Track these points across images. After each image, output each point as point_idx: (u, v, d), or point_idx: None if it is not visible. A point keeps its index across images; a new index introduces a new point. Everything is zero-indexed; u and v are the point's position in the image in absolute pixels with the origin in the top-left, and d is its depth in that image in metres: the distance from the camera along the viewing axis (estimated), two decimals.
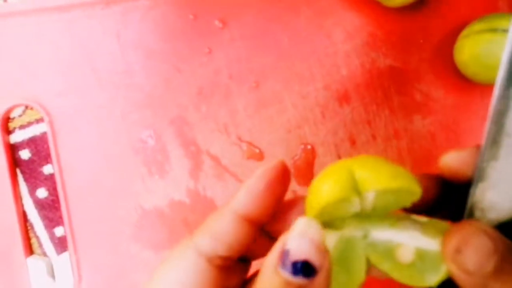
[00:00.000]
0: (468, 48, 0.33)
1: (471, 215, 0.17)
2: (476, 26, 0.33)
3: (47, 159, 0.37)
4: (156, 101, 0.36)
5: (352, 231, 0.17)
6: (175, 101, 0.36)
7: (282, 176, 0.18)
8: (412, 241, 0.16)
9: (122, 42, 0.36)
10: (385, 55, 0.36)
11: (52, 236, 0.37)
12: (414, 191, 0.16)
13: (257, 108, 0.37)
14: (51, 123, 0.36)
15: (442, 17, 0.37)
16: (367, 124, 0.37)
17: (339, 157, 0.37)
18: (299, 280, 0.14)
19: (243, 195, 0.18)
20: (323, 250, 0.14)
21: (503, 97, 0.15)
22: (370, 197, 0.16)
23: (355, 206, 0.16)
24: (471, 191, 0.17)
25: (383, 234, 0.17)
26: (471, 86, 0.36)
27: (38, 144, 0.37)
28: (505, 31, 0.32)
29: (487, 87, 0.36)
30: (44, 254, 0.38)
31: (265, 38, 0.37)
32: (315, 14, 0.36)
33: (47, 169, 0.37)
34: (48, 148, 0.37)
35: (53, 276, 0.37)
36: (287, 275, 0.14)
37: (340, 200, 0.16)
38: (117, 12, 0.36)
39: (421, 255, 0.16)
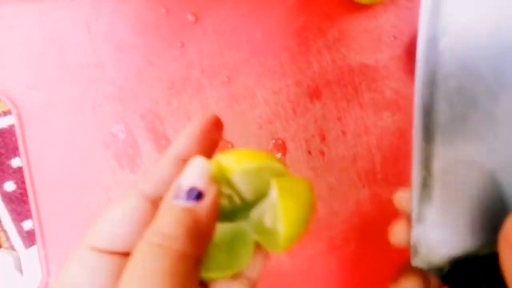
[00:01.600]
0: None
1: (416, 253, 0.17)
2: None
3: (15, 152, 0.37)
4: (127, 95, 0.36)
5: (240, 221, 0.19)
6: (146, 95, 0.36)
7: (215, 124, 0.21)
8: (271, 207, 0.17)
9: (93, 34, 0.36)
10: (356, 52, 0.37)
11: (20, 230, 0.37)
12: (274, 166, 0.18)
13: (229, 103, 0.37)
14: (19, 116, 0.36)
15: (412, 15, 0.37)
16: (337, 120, 0.37)
17: (310, 153, 0.37)
18: (189, 204, 0.16)
19: (181, 140, 0.20)
20: (207, 178, 0.17)
21: (428, 143, 0.16)
22: (237, 179, 0.17)
23: (233, 196, 0.18)
24: (412, 231, 0.17)
25: (257, 211, 0.18)
26: None
27: (6, 137, 0.37)
28: None
29: None
30: (12, 248, 0.37)
31: (238, 33, 0.37)
32: (287, 10, 0.37)
33: (15, 162, 0.37)
34: (16, 141, 0.36)
35: (20, 270, 0.37)
36: (180, 202, 0.16)
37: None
38: (87, 4, 0.36)
39: (274, 228, 0.17)
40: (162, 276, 0.15)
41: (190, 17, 0.36)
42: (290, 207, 0.17)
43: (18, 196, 0.37)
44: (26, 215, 0.37)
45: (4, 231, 0.37)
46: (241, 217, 0.19)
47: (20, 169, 0.37)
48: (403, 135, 0.37)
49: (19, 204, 0.37)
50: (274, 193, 0.17)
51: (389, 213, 0.37)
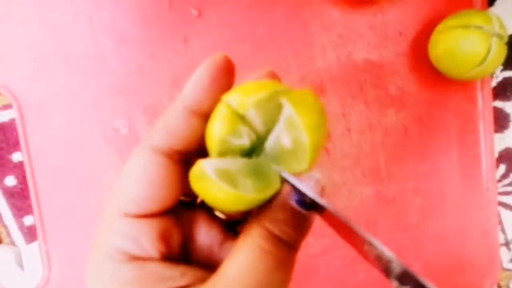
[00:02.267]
0: (442, 44, 0.33)
1: None
2: (451, 21, 0.33)
3: (16, 146, 0.36)
4: (129, 89, 0.36)
5: (259, 157, 0.19)
6: (148, 89, 0.36)
7: (226, 67, 0.19)
8: (288, 126, 0.17)
9: (94, 26, 0.35)
10: (361, 48, 0.37)
11: (21, 225, 0.37)
12: (281, 89, 0.17)
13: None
14: (20, 109, 0.35)
15: (419, 11, 0.37)
16: (342, 116, 0.37)
17: None
18: (305, 211, 0.18)
19: (190, 89, 0.18)
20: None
21: None
22: (251, 114, 0.17)
23: (248, 132, 0.18)
24: None
25: (271, 140, 0.18)
26: (444, 81, 0.37)
27: (7, 131, 0.36)
28: (478, 27, 0.32)
29: (460, 82, 0.37)
30: (13, 243, 0.37)
31: (242, 27, 0.36)
32: (292, 5, 0.36)
33: (16, 157, 0.36)
34: (17, 135, 0.36)
35: (21, 266, 0.36)
36: (295, 204, 0.17)
37: (229, 133, 0.17)
38: None
39: (296, 143, 0.17)
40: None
41: (194, 11, 0.36)
42: (308, 115, 0.17)
43: (19, 191, 0.36)
44: (27, 210, 0.36)
45: (5, 227, 0.37)
46: (259, 152, 0.18)
47: (21, 164, 0.36)
48: (407, 132, 0.37)
49: (20, 199, 0.36)
50: (288, 109, 0.17)
51: (393, 211, 0.37)
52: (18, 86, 0.35)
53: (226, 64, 0.19)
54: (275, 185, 0.18)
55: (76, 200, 0.36)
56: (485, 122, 0.37)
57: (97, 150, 0.36)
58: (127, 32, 0.35)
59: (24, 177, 0.36)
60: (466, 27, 0.32)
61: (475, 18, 0.32)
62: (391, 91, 0.37)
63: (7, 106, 0.36)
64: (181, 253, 0.19)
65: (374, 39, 0.37)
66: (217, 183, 0.16)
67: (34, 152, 0.36)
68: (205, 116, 0.18)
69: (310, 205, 0.17)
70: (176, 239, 0.19)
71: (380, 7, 0.37)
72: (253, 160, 0.18)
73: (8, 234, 0.37)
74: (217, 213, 0.20)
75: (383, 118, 0.37)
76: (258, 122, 0.18)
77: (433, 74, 0.37)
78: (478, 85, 0.37)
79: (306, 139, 0.17)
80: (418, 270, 0.36)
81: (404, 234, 0.37)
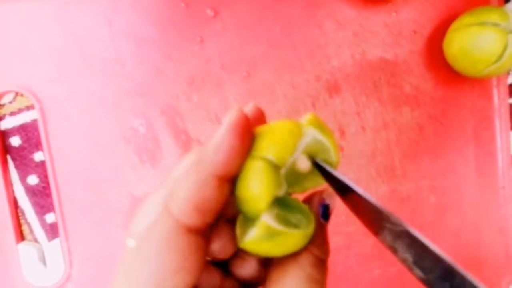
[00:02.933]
0: (457, 42, 0.33)
1: None
2: (466, 19, 0.33)
3: (37, 146, 0.37)
4: (147, 90, 0.36)
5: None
6: (166, 90, 0.37)
7: (248, 124, 0.17)
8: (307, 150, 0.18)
9: (113, 29, 0.36)
10: (375, 47, 0.37)
11: (43, 223, 0.38)
12: (302, 124, 0.18)
13: (248, 98, 0.37)
14: (41, 110, 0.36)
15: (433, 9, 0.37)
16: (356, 115, 0.37)
17: None
18: (325, 222, 0.18)
19: (220, 156, 0.16)
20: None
21: None
22: (290, 162, 0.18)
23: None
24: None
25: (285, 169, 0.18)
26: (460, 79, 0.37)
27: (29, 131, 0.37)
28: (494, 24, 0.32)
29: (476, 80, 0.37)
30: (35, 240, 0.38)
31: (257, 27, 0.37)
32: (307, 4, 0.36)
33: (38, 156, 0.37)
34: (38, 135, 0.37)
35: (44, 262, 0.38)
36: (322, 220, 0.18)
37: (277, 187, 0.17)
38: None
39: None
40: None
41: (209, 12, 0.36)
42: (330, 138, 0.18)
43: (41, 189, 0.37)
44: (49, 208, 0.37)
45: (28, 224, 0.38)
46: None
47: (43, 163, 0.37)
48: (422, 130, 0.37)
49: (42, 198, 0.37)
50: (311, 134, 0.18)
51: (408, 209, 0.37)
52: (40, 88, 0.36)
53: (247, 119, 0.17)
54: (306, 209, 0.18)
55: (95, 198, 0.37)
56: (501, 119, 0.37)
57: (116, 149, 0.37)
58: (145, 35, 0.36)
59: (45, 176, 0.37)
60: (482, 24, 0.32)
61: (491, 15, 0.32)
62: (406, 89, 0.37)
63: (29, 107, 0.37)
64: None
65: (388, 37, 0.37)
66: (287, 232, 0.17)
67: (56, 152, 0.36)
68: (233, 179, 0.17)
69: (329, 216, 0.18)
70: None
71: (394, 5, 0.37)
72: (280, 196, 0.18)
73: (31, 231, 0.38)
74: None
75: (398, 117, 0.37)
76: (291, 162, 0.18)
77: (448, 72, 0.37)
78: (494, 82, 0.37)
79: (334, 158, 0.18)
80: None
81: (420, 232, 0.37)
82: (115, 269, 0.17)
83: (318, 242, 0.18)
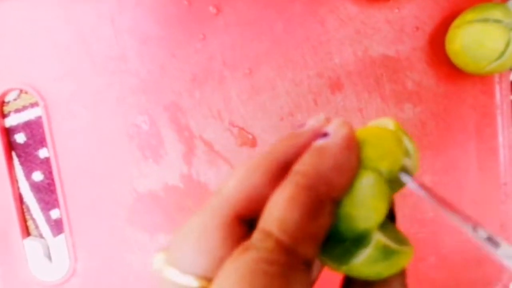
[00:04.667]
0: (459, 38, 0.33)
1: None
2: (468, 15, 0.33)
3: (42, 143, 0.38)
4: (150, 87, 0.37)
5: None
6: (169, 87, 0.37)
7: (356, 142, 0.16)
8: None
9: (117, 27, 0.36)
10: (378, 43, 0.37)
11: (48, 219, 0.38)
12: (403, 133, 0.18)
13: (251, 94, 0.37)
14: (46, 108, 0.37)
15: (436, 5, 0.37)
16: (358, 111, 0.37)
17: None
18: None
19: (339, 178, 0.15)
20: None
21: None
22: (401, 176, 0.17)
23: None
24: None
25: None
26: (462, 75, 0.37)
27: (34, 128, 0.38)
28: (497, 21, 0.32)
29: (478, 76, 0.37)
30: (41, 236, 0.38)
31: (259, 24, 0.37)
32: (309, 1, 0.37)
33: (42, 153, 0.38)
34: (43, 132, 0.37)
35: (49, 257, 0.38)
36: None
37: (388, 205, 0.16)
38: None
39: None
40: None
41: (212, 9, 0.37)
42: (411, 139, 0.18)
43: (46, 186, 0.38)
44: (54, 204, 0.38)
45: (33, 220, 0.38)
46: None
47: (47, 160, 0.38)
48: (425, 127, 0.37)
49: (47, 194, 0.38)
50: (405, 142, 0.17)
51: (409, 205, 0.38)
52: (44, 85, 0.37)
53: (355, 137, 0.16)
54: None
55: (100, 193, 0.37)
56: (503, 115, 0.37)
57: (120, 145, 0.37)
58: (148, 32, 0.36)
59: (50, 172, 0.37)
60: (484, 21, 0.32)
61: (493, 12, 0.32)
62: (408, 86, 0.37)
63: (33, 104, 0.37)
64: None
65: (391, 34, 0.37)
66: (400, 250, 0.15)
67: (60, 148, 0.37)
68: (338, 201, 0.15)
69: None
70: None
71: (397, 2, 0.37)
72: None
73: (36, 227, 0.38)
74: None
75: (400, 113, 0.37)
76: (402, 176, 0.17)
77: (451, 69, 0.37)
78: (496, 79, 0.37)
79: (416, 165, 0.18)
80: (434, 264, 0.37)
81: (421, 228, 0.38)
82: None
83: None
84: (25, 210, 0.38)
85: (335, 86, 0.37)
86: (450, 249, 0.38)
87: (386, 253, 0.15)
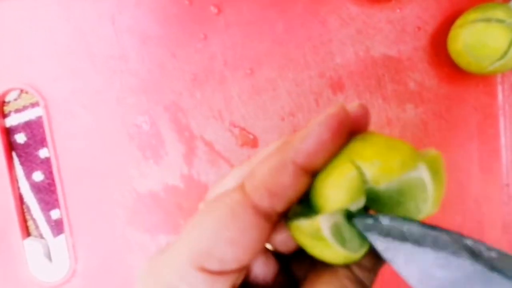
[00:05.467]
0: (461, 38, 0.33)
1: None
2: (471, 15, 0.33)
3: (42, 143, 0.37)
4: (151, 87, 0.37)
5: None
6: (170, 87, 0.37)
7: (346, 123, 0.16)
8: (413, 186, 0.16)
9: (117, 27, 0.36)
10: (379, 43, 0.37)
11: (48, 219, 0.38)
12: (421, 158, 0.16)
13: (251, 94, 0.37)
14: (46, 107, 0.36)
15: (438, 5, 0.36)
16: None
17: None
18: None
19: (305, 145, 0.16)
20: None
21: None
22: (382, 188, 0.16)
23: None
24: None
25: (385, 188, 0.17)
26: (464, 76, 0.37)
27: (34, 128, 0.37)
28: (499, 21, 0.32)
29: (480, 76, 0.37)
30: (41, 236, 0.38)
31: (260, 24, 0.37)
32: (310, 1, 0.36)
33: (42, 153, 0.38)
34: (43, 132, 0.37)
35: (49, 257, 0.38)
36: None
37: (352, 202, 0.16)
38: None
39: (414, 204, 0.17)
40: None
41: (213, 9, 0.36)
42: (441, 188, 0.16)
43: (46, 186, 0.38)
44: (54, 204, 0.38)
45: (33, 220, 0.38)
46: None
47: (47, 160, 0.37)
48: (426, 127, 0.37)
49: (47, 194, 0.38)
50: (421, 173, 0.16)
51: None
52: (44, 85, 0.36)
53: (347, 117, 0.16)
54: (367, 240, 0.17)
55: (100, 194, 0.37)
56: (505, 116, 0.37)
57: (120, 145, 0.37)
58: (149, 32, 0.36)
59: (50, 173, 0.37)
60: (486, 20, 0.32)
61: (496, 12, 0.32)
62: (410, 86, 0.37)
63: (34, 104, 0.37)
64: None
65: (392, 34, 0.37)
66: (330, 244, 0.15)
67: (60, 148, 0.37)
68: (314, 173, 0.17)
69: None
70: (241, 279, 0.18)
71: (398, 2, 0.36)
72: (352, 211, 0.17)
73: (37, 227, 0.38)
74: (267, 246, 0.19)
75: (402, 113, 0.37)
76: (383, 188, 0.16)
77: (453, 69, 0.37)
78: (499, 79, 0.37)
79: (429, 210, 0.16)
80: None
81: None
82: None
83: (361, 264, 0.17)
84: (25, 210, 0.38)
85: (337, 86, 0.37)
86: None
87: (314, 235, 0.16)
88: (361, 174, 0.15)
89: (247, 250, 0.16)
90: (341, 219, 0.16)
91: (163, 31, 0.36)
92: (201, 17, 0.36)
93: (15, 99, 0.37)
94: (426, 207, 0.16)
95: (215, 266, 0.16)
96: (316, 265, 0.18)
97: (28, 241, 0.37)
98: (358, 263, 0.17)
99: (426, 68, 0.37)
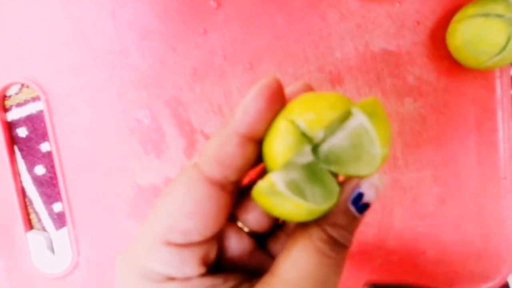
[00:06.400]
0: (460, 33, 0.33)
1: None
2: (470, 10, 0.33)
3: (44, 137, 0.38)
4: (151, 81, 0.37)
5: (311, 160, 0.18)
6: (170, 81, 0.37)
7: (278, 91, 0.18)
8: (355, 134, 0.17)
9: (117, 21, 0.36)
10: (378, 38, 0.37)
11: (50, 212, 0.38)
12: (351, 104, 0.17)
13: (251, 89, 0.37)
14: (47, 102, 0.37)
15: (437, 0, 0.37)
16: None
17: None
18: (359, 216, 0.18)
19: (244, 115, 0.17)
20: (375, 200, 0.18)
21: None
22: (320, 135, 0.17)
23: (310, 146, 0.17)
24: None
25: (327, 144, 0.18)
26: (463, 70, 0.37)
27: (35, 122, 0.38)
28: (498, 16, 0.32)
29: (479, 71, 0.37)
30: (44, 229, 0.39)
31: (260, 19, 0.37)
32: None
33: (44, 147, 0.38)
34: (45, 126, 0.37)
35: (52, 250, 0.38)
36: (353, 210, 0.18)
37: (295, 154, 0.17)
38: None
39: (363, 150, 0.17)
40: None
41: (213, 3, 0.37)
42: (382, 128, 0.17)
43: (48, 179, 0.38)
44: (56, 197, 0.38)
45: (36, 213, 0.38)
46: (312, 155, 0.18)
47: (49, 154, 0.38)
48: (425, 121, 0.37)
49: (49, 187, 0.38)
50: (360, 120, 0.17)
51: (409, 199, 0.38)
52: (45, 80, 0.37)
53: (278, 86, 0.18)
54: (336, 190, 0.18)
55: (101, 187, 0.37)
56: (503, 110, 0.37)
57: (121, 140, 0.37)
58: (149, 26, 0.36)
59: (52, 166, 0.38)
60: (485, 15, 0.32)
61: (495, 6, 0.32)
62: (409, 81, 0.37)
63: (35, 99, 0.37)
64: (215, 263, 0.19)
65: (392, 28, 0.37)
66: (289, 198, 0.16)
67: (62, 142, 0.37)
68: (259, 141, 0.18)
69: (364, 208, 0.18)
70: (214, 254, 0.19)
71: None
72: (312, 165, 0.18)
73: (39, 220, 0.39)
74: (241, 226, 0.20)
75: (401, 107, 0.37)
76: (321, 135, 0.17)
77: (451, 63, 0.37)
78: (497, 74, 0.37)
79: (379, 151, 0.17)
80: (434, 258, 0.37)
81: (421, 222, 0.38)
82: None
83: (334, 222, 0.18)
84: (27, 203, 0.38)
85: (336, 80, 0.37)
86: (450, 243, 0.38)
87: (271, 192, 0.16)
88: (294, 125, 0.16)
89: (207, 221, 0.17)
90: (300, 175, 0.17)
91: (163, 25, 0.36)
92: (201, 12, 0.37)
93: (16, 93, 0.38)
94: (376, 149, 0.17)
95: (179, 239, 0.17)
96: (291, 236, 0.19)
97: (31, 234, 0.38)
98: (331, 222, 0.18)
99: (425, 62, 0.37)
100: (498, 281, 0.39)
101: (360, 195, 0.17)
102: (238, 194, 0.20)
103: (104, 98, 0.37)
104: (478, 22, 0.32)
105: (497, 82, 0.37)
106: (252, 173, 0.20)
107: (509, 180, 0.38)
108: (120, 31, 0.36)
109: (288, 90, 0.20)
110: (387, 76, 0.37)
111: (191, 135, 0.37)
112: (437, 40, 0.37)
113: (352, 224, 0.18)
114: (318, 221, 0.18)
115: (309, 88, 0.20)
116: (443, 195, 0.38)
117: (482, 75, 0.37)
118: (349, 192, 0.18)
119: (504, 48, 0.32)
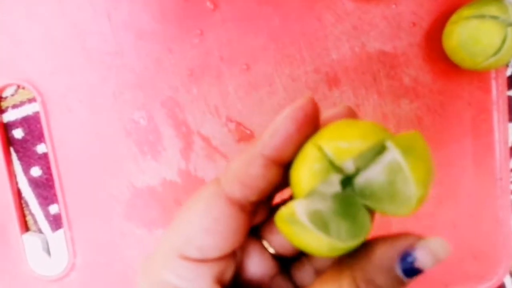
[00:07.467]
0: (456, 34, 0.33)
1: None
2: (465, 11, 0.33)
3: (40, 138, 0.38)
4: (147, 82, 0.37)
5: (344, 190, 0.17)
6: (166, 82, 0.37)
7: (313, 112, 0.17)
8: (389, 170, 0.16)
9: (113, 22, 0.36)
10: (374, 39, 0.37)
11: (47, 214, 0.38)
12: (387, 135, 0.16)
13: (248, 90, 0.37)
14: (43, 103, 0.37)
15: (433, 1, 0.37)
16: (355, 107, 0.37)
17: None
18: (406, 280, 0.15)
19: (272, 138, 0.17)
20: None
21: None
22: (350, 165, 0.16)
23: (339, 176, 0.16)
24: None
25: (363, 177, 0.17)
26: (458, 71, 0.37)
27: (31, 124, 0.38)
28: (493, 17, 0.32)
29: (474, 72, 0.37)
30: (40, 231, 0.39)
31: (256, 20, 0.37)
32: None
33: (40, 148, 0.38)
34: (41, 127, 0.37)
35: (48, 252, 0.38)
36: (399, 272, 0.15)
37: (321, 183, 0.16)
38: None
39: (398, 189, 0.16)
40: None
41: (209, 4, 0.37)
42: (419, 167, 0.15)
43: (44, 181, 0.38)
44: (52, 199, 0.38)
45: (32, 215, 0.38)
46: (345, 186, 0.17)
47: (45, 155, 0.38)
48: (421, 122, 0.37)
49: (45, 189, 0.38)
50: (394, 156, 0.15)
51: None
52: (41, 81, 0.37)
53: (313, 109, 0.17)
54: (367, 227, 0.16)
55: (98, 189, 0.37)
56: (499, 111, 0.38)
57: (117, 141, 0.37)
58: (145, 27, 0.36)
59: (48, 168, 0.38)
60: (481, 17, 0.32)
61: (490, 8, 0.32)
62: (405, 82, 0.37)
63: (31, 100, 0.37)
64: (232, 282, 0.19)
65: (387, 29, 0.37)
66: (309, 229, 0.15)
67: (58, 144, 0.37)
68: (286, 165, 0.17)
69: (415, 273, 0.15)
70: (230, 273, 0.19)
71: None
72: (345, 198, 0.17)
73: (35, 222, 0.38)
74: (267, 246, 0.20)
75: (397, 109, 0.37)
76: (352, 168, 0.16)
77: (447, 64, 0.37)
78: (493, 74, 0.37)
79: (414, 192, 0.15)
80: None
81: (417, 222, 0.38)
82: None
83: (371, 279, 0.15)
84: (23, 205, 0.38)
85: (332, 82, 0.37)
86: None
87: (291, 220, 0.16)
88: (321, 152, 0.15)
89: (224, 239, 0.17)
90: (327, 207, 0.16)
91: (159, 26, 0.36)
92: (197, 13, 0.37)
93: (12, 95, 0.38)
94: (410, 189, 0.15)
95: (195, 254, 0.17)
96: (319, 278, 0.18)
97: (27, 236, 0.38)
98: (367, 278, 0.15)
99: (421, 64, 0.37)
100: (494, 282, 0.39)
101: (411, 257, 0.15)
102: (268, 212, 0.20)
103: (100, 99, 0.37)
104: (474, 24, 0.32)
105: (493, 83, 0.37)
106: (286, 193, 0.20)
107: (505, 181, 0.38)
108: (116, 32, 0.36)
109: (327, 113, 0.18)
110: (383, 77, 0.37)
111: (187, 136, 0.37)
112: (433, 41, 0.37)
113: (392, 286, 0.15)
114: (353, 270, 0.16)
115: (351, 113, 0.18)
116: (439, 196, 0.38)
117: (478, 76, 0.37)
118: (399, 251, 0.15)
119: (499, 49, 0.32)
